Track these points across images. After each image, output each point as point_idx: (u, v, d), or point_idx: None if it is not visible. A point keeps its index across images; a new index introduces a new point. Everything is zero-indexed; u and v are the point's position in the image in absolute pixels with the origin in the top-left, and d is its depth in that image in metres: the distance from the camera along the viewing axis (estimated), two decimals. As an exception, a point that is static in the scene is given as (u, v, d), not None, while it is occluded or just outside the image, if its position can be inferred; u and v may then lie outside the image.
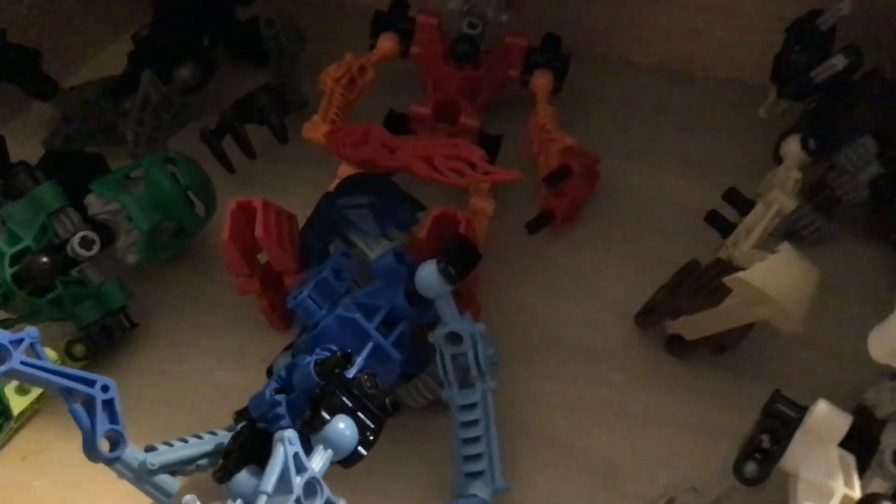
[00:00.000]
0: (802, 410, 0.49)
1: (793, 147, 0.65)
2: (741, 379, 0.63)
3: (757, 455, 0.49)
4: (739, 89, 0.86)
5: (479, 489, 0.54)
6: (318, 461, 0.45)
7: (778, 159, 0.67)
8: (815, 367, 0.63)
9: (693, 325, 0.59)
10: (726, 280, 0.54)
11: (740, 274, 0.53)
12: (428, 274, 0.53)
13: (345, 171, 0.67)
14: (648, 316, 0.64)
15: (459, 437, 0.55)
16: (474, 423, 0.55)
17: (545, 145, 0.74)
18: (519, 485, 0.56)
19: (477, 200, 0.69)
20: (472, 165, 0.59)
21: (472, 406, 0.55)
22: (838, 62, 0.63)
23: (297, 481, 0.43)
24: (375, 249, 0.58)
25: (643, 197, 0.77)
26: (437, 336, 0.55)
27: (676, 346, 0.63)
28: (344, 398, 0.47)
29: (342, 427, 0.46)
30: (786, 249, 0.53)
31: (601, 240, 0.73)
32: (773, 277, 0.52)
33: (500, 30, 0.79)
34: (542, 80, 0.78)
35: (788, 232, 0.70)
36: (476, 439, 0.54)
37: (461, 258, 0.53)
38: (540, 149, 0.74)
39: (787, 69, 0.67)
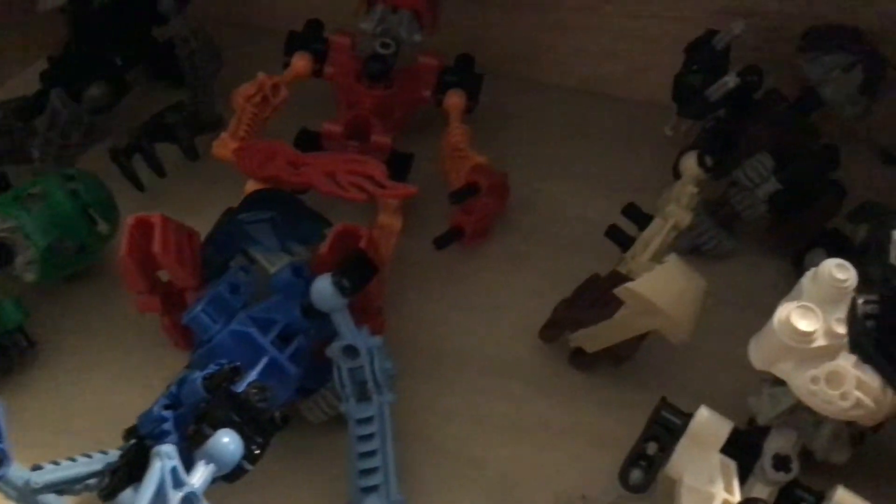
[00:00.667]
0: (687, 417, 0.50)
1: (690, 163, 0.66)
2: (640, 389, 0.63)
3: (642, 462, 0.50)
4: (652, 110, 0.87)
5: (375, 503, 0.54)
6: (199, 476, 0.44)
7: (677, 176, 0.69)
8: (716, 377, 0.65)
9: (591, 337, 0.60)
10: (616, 291, 0.55)
11: (628, 284, 0.54)
12: (322, 287, 0.53)
13: (252, 187, 0.67)
14: (551, 329, 0.64)
15: (355, 451, 0.55)
16: (370, 436, 0.55)
17: (456, 163, 0.75)
18: (417, 498, 0.57)
19: (385, 217, 0.69)
20: (374, 180, 0.60)
21: (369, 420, 0.55)
22: (730, 81, 0.65)
23: (175, 497, 0.43)
24: (275, 264, 0.58)
25: (555, 213, 0.78)
26: (333, 349, 0.55)
27: (579, 358, 0.64)
28: (229, 412, 0.47)
29: (225, 441, 0.45)
30: (672, 260, 0.54)
31: (512, 255, 0.74)
32: (659, 287, 0.53)
33: (414, 50, 0.80)
34: (454, 100, 0.79)
35: (692, 247, 0.72)
36: (372, 453, 0.54)
37: (356, 272, 0.54)
38: (451, 166, 0.75)
39: (684, 89, 0.69)
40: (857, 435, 0.52)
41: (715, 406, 0.61)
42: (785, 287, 0.72)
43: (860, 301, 0.34)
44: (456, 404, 0.64)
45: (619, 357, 0.61)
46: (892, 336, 0.33)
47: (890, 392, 0.46)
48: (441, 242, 0.69)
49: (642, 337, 0.59)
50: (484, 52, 0.85)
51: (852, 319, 0.35)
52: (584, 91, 0.90)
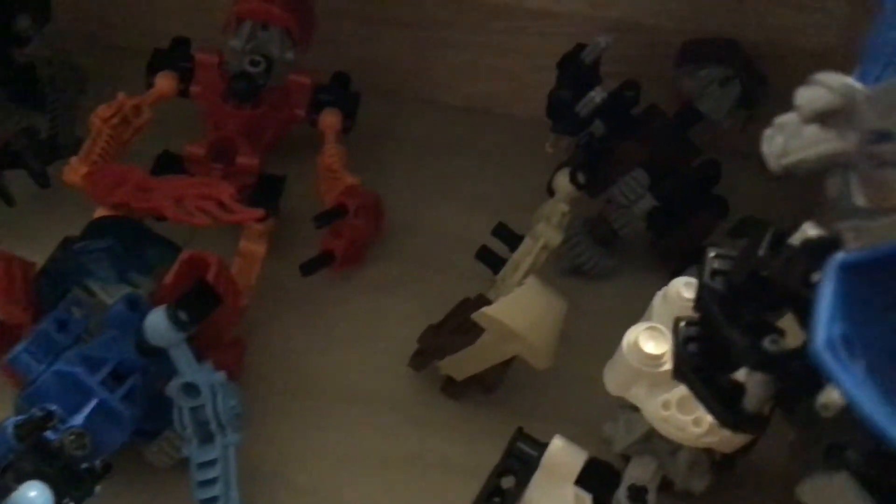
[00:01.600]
0: (543, 448, 0.48)
1: (562, 181, 0.64)
2: (517, 418, 0.61)
3: (496, 499, 0.47)
4: (538, 127, 0.85)
5: (218, 552, 0.50)
6: (0, 534, 0.40)
7: (551, 193, 0.67)
8: (596, 401, 0.62)
9: (458, 365, 0.58)
10: (473, 316, 0.52)
11: (485, 309, 0.51)
12: (156, 321, 0.49)
13: (100, 214, 0.63)
14: (419, 358, 0.61)
15: (197, 497, 0.51)
16: (213, 481, 0.51)
17: (330, 185, 0.71)
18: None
19: (247, 243, 0.66)
20: (222, 204, 0.56)
21: (212, 463, 0.51)
22: (597, 95, 0.63)
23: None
24: (115, 296, 0.54)
25: (435, 235, 0.75)
26: (172, 388, 0.51)
27: (451, 387, 0.61)
28: (39, 463, 0.43)
29: (32, 495, 0.41)
30: (530, 283, 0.52)
31: (388, 280, 0.71)
32: (516, 311, 0.50)
33: (288, 68, 0.77)
34: (329, 119, 0.75)
35: (572, 267, 0.70)
36: (213, 500, 0.50)
37: (194, 303, 0.50)
38: (325, 188, 0.72)
39: (556, 105, 0.67)
40: (722, 461, 0.50)
41: (594, 433, 0.59)
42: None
43: (682, 324, 0.32)
44: (322, 441, 0.61)
45: (488, 385, 0.58)
46: (712, 360, 0.31)
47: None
48: (308, 268, 0.66)
49: (508, 363, 0.56)
50: (368, 70, 0.82)
51: (674, 343, 0.32)
52: (471, 109, 0.88)
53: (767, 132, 0.26)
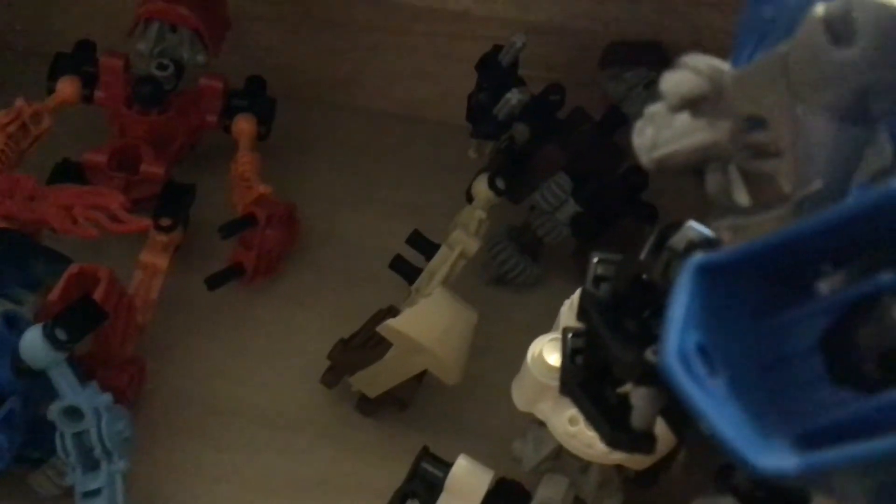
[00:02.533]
0: (449, 468, 0.45)
1: (481, 187, 0.62)
2: (438, 436, 0.58)
3: (398, 524, 0.44)
4: (461, 133, 0.83)
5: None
6: None
7: (470, 200, 0.64)
8: (514, 419, 0.60)
9: (369, 380, 0.55)
10: (378, 328, 0.49)
11: (389, 321, 0.48)
12: (31, 340, 0.46)
13: (-11, 227, 0.59)
14: (331, 373, 0.58)
15: (81, 529, 0.47)
16: (98, 511, 0.47)
17: (242, 194, 0.68)
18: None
19: (148, 255, 0.62)
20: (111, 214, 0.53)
21: (97, 492, 0.48)
22: (513, 97, 0.61)
23: None
24: (-6, 315, 0.50)
25: (355, 245, 0.72)
26: (52, 412, 0.47)
27: (366, 404, 0.58)
28: None
29: None
30: (438, 293, 0.49)
31: (303, 293, 0.68)
32: (422, 323, 0.48)
33: (199, 72, 0.73)
34: (243, 125, 0.72)
35: (497, 277, 0.67)
36: (98, 531, 0.47)
37: (74, 321, 0.46)
38: (238, 198, 0.69)
39: (475, 108, 0.64)
40: (642, 478, 0.47)
41: (502, 449, 0.56)
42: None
43: (569, 335, 0.29)
44: (230, 464, 0.57)
45: (401, 401, 0.55)
46: (599, 373, 0.28)
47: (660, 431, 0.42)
48: (214, 282, 0.63)
49: (420, 378, 0.53)
50: (284, 74, 0.79)
51: (563, 356, 0.30)
52: (396, 115, 0.85)
53: (638, 124, 0.24)
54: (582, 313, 0.28)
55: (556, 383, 0.41)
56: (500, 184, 0.61)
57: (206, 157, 0.75)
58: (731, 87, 0.20)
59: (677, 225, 0.27)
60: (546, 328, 0.66)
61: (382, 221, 0.75)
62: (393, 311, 0.55)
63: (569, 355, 0.29)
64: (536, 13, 0.77)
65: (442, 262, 0.58)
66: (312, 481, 0.56)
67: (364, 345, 0.54)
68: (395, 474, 0.56)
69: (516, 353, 0.58)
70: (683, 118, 0.22)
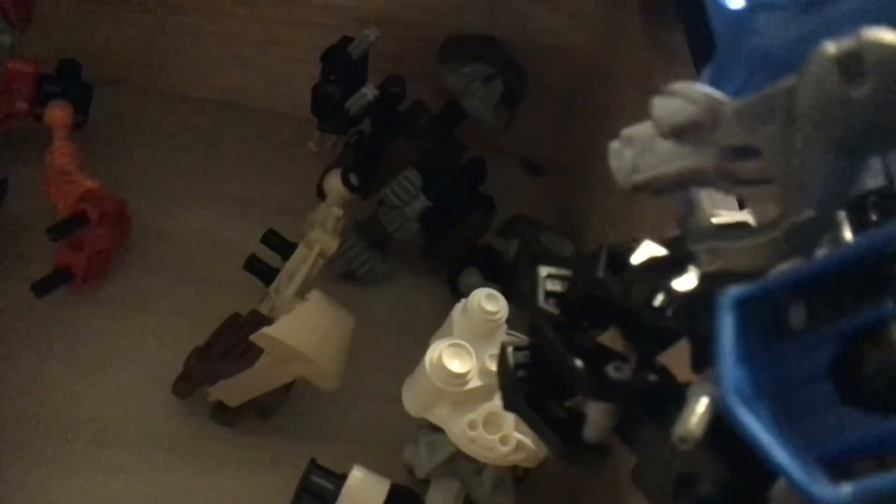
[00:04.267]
0: (340, 480, 0.44)
1: (334, 183, 0.60)
2: (298, 443, 0.56)
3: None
4: (294, 123, 0.80)
5: None
6: None
7: (322, 196, 0.62)
8: (381, 419, 0.59)
9: (232, 390, 0.52)
10: (252, 337, 0.47)
11: (265, 329, 0.46)
12: None
13: None
14: (185, 383, 0.55)
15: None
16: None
17: (63, 189, 0.62)
18: None
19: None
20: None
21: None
22: (369, 92, 0.60)
23: None
24: None
25: (191, 243, 0.68)
26: None
27: (222, 414, 0.55)
28: None
29: None
30: (314, 298, 0.47)
31: (139, 296, 0.63)
32: (300, 330, 0.46)
33: (5, 54, 0.66)
34: (57, 113, 0.66)
35: (345, 273, 0.66)
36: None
37: None
38: (58, 193, 0.63)
39: (322, 101, 0.62)
40: (518, 476, 0.48)
41: (383, 454, 0.55)
42: (443, 310, 0.69)
43: (509, 349, 0.29)
44: (66, 487, 0.52)
45: (266, 410, 0.53)
46: (544, 388, 0.28)
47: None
48: (42, 288, 0.57)
49: (289, 385, 0.51)
50: (99, 57, 0.73)
51: (503, 371, 0.29)
52: (217, 102, 0.81)
53: (614, 146, 0.24)
54: (534, 331, 0.28)
55: (455, 389, 0.41)
56: (353, 180, 0.60)
57: (17, 148, 0.68)
58: (729, 118, 0.21)
59: (626, 242, 0.28)
60: (396, 324, 0.66)
61: (213, 217, 0.71)
62: (257, 317, 0.52)
63: (512, 370, 0.29)
64: (369, 2, 0.76)
65: (301, 262, 0.56)
66: (171, 501, 0.52)
67: (228, 353, 0.51)
68: (262, 486, 0.54)
69: (368, 349, 0.58)
70: (667, 143, 0.23)
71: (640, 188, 0.23)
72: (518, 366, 0.29)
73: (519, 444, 0.41)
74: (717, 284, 0.24)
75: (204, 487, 0.53)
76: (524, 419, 0.29)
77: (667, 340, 0.30)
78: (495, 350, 0.42)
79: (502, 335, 0.43)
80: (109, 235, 0.61)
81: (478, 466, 0.45)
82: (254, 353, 0.49)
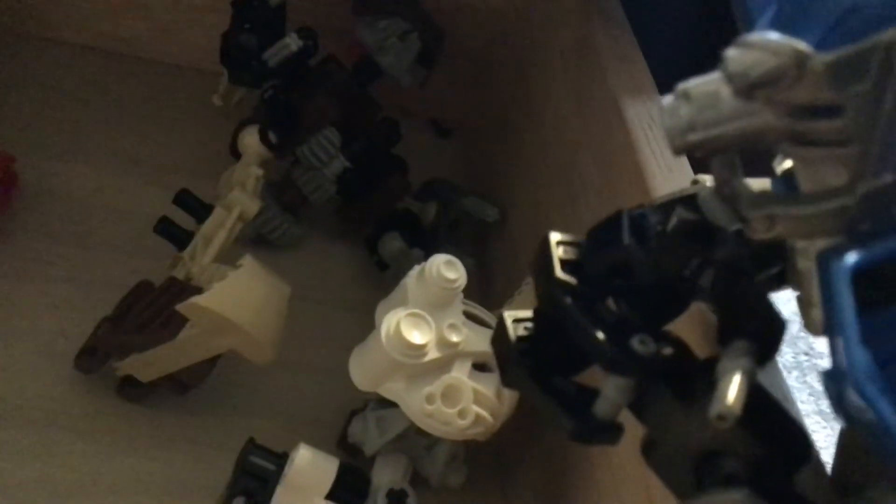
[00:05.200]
0: (282, 459, 0.40)
1: (251, 140, 0.56)
2: (216, 420, 0.52)
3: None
4: (193, 74, 0.75)
5: None
6: None
7: (236, 155, 0.58)
8: (305, 392, 0.56)
9: (147, 364, 0.47)
10: (180, 307, 0.42)
11: (195, 299, 0.42)
12: None
13: None
14: (90, 357, 0.50)
15: None
16: None
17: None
18: None
19: None
20: None
21: None
22: (292, 42, 0.56)
23: None
24: None
25: (81, 204, 0.62)
26: None
27: (131, 389, 0.51)
28: None
29: None
30: (248, 265, 0.43)
31: (27, 261, 0.57)
32: (234, 300, 0.42)
33: None
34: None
35: (255, 237, 0.62)
36: None
37: None
38: (-70, 147, 0.56)
39: (237, 51, 0.58)
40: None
41: (309, 426, 0.52)
42: (361, 276, 0.66)
43: (509, 322, 0.27)
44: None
45: (183, 385, 0.49)
46: (547, 362, 0.27)
47: (505, 401, 0.41)
48: (-82, 253, 0.50)
49: (214, 359, 0.47)
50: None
51: (501, 344, 0.27)
52: (104, 51, 0.74)
53: (669, 102, 0.22)
54: (548, 301, 0.26)
55: (413, 361, 0.38)
56: (272, 138, 0.56)
57: None
58: (818, 72, 0.19)
59: (639, 208, 0.26)
60: (312, 290, 0.62)
61: (102, 175, 0.65)
62: (178, 285, 0.47)
63: (513, 344, 0.27)
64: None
65: (218, 226, 0.52)
66: (79, 487, 0.48)
67: (146, 324, 0.46)
68: (178, 466, 0.50)
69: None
70: (732, 100, 0.21)
71: (694, 147, 0.22)
72: (520, 339, 0.27)
73: (478, 418, 0.39)
74: (758, 250, 0.23)
75: (112, 469, 0.49)
76: (529, 396, 0.27)
77: (674, 312, 0.28)
78: (453, 319, 0.40)
79: (459, 304, 0.41)
80: (-6, 194, 0.54)
81: (430, 442, 0.43)
82: (176, 323, 0.45)
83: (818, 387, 1.12)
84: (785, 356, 1.23)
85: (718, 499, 0.24)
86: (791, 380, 1.21)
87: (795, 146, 0.21)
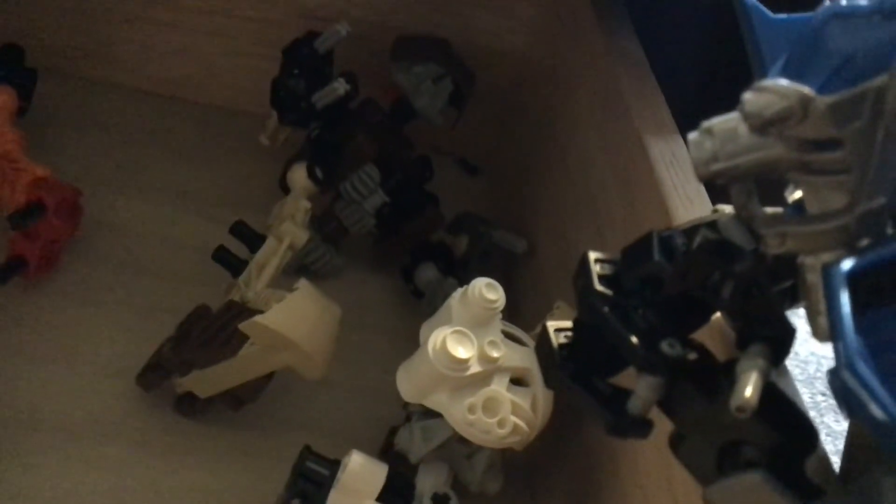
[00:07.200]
0: (335, 465, 0.44)
1: (299, 176, 0.60)
2: (267, 434, 0.56)
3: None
4: (238, 116, 0.80)
5: None
6: None
7: (285, 189, 0.62)
8: (347, 409, 0.60)
9: (207, 381, 0.51)
10: (242, 326, 0.46)
11: (257, 318, 0.46)
12: None
13: None
14: (152, 375, 0.54)
15: None
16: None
17: (10, 176, 0.60)
18: None
19: None
20: None
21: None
22: (340, 87, 0.61)
23: None
24: None
25: (137, 235, 0.67)
26: None
27: (188, 405, 0.54)
28: None
29: None
30: (304, 287, 0.47)
31: (89, 288, 0.61)
32: (293, 319, 0.46)
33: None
34: (2, 98, 0.63)
35: (298, 267, 0.66)
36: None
37: None
38: (4, 181, 0.60)
39: (286, 94, 0.62)
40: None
41: (351, 439, 0.56)
42: (396, 304, 0.70)
43: (552, 331, 0.31)
44: (26, 484, 0.50)
45: (239, 400, 0.53)
46: (586, 366, 0.30)
47: (539, 413, 0.45)
48: (-2, 278, 0.55)
49: (269, 376, 0.51)
50: (34, 43, 0.70)
51: (545, 350, 0.31)
52: (156, 94, 0.79)
53: (694, 137, 0.26)
54: (588, 311, 0.30)
55: (457, 374, 0.42)
56: (319, 173, 0.60)
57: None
58: (820, 112, 0.23)
59: (667, 230, 0.30)
60: (351, 317, 0.66)
61: (161, 208, 0.70)
62: (238, 308, 0.52)
63: (556, 349, 0.31)
64: (315, -2, 0.76)
65: (271, 254, 0.56)
66: (143, 495, 0.51)
67: (209, 343, 0.50)
68: (232, 479, 0.53)
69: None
70: (748, 135, 0.25)
71: (716, 176, 0.26)
72: (561, 346, 0.31)
73: (515, 428, 0.43)
74: (772, 266, 0.26)
75: (171, 481, 0.52)
76: (570, 395, 0.31)
77: (698, 322, 0.32)
78: (493, 336, 0.44)
79: (498, 323, 0.45)
80: (63, 225, 0.59)
81: (470, 450, 0.47)
82: (236, 342, 0.49)
83: (834, 426, 1.14)
84: (802, 395, 1.26)
85: (739, 481, 0.27)
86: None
87: (803, 174, 0.25)
